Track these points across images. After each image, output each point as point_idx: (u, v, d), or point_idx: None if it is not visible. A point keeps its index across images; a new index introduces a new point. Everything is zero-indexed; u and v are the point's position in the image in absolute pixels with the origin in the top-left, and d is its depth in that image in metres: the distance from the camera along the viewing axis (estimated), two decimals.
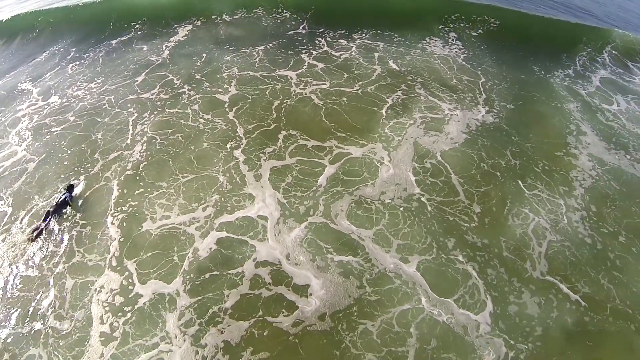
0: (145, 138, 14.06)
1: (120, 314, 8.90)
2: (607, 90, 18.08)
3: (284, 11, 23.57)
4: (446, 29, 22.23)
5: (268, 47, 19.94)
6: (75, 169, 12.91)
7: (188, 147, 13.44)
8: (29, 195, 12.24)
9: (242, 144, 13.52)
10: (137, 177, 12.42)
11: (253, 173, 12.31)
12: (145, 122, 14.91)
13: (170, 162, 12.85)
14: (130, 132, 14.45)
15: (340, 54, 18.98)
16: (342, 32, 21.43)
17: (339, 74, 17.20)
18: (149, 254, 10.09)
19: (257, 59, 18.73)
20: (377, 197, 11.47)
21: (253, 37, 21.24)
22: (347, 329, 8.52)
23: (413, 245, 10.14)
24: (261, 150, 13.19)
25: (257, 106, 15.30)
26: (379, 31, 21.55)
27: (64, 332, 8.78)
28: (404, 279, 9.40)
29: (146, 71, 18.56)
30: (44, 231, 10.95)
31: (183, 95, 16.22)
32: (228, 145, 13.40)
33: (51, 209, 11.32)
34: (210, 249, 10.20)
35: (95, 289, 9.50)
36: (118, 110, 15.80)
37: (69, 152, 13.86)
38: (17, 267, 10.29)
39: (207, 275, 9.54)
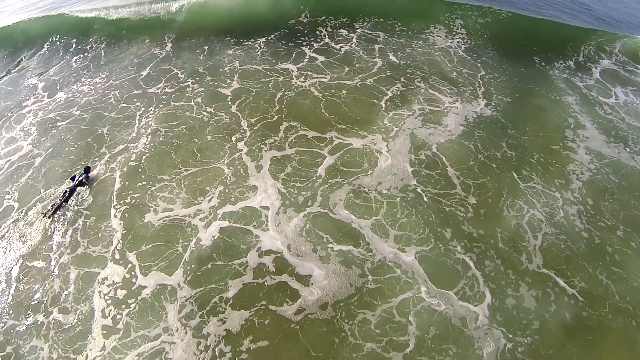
0: (149, 130, 13.74)
1: (123, 305, 8.67)
2: (606, 83, 17.20)
3: None
4: (452, 17, 21.09)
5: (269, 38, 19.33)
6: (82, 162, 12.71)
7: (192, 139, 13.13)
8: (35, 189, 12.02)
9: (245, 136, 13.20)
10: (140, 170, 12.09)
11: (255, 164, 12.04)
12: (150, 116, 14.56)
13: (173, 155, 12.55)
14: (137, 125, 14.15)
15: (341, 46, 18.34)
16: (343, 20, 20.60)
17: (340, 68, 16.67)
18: (153, 245, 9.82)
19: (259, 52, 18.19)
20: (374, 187, 11.16)
21: (254, 26, 20.34)
22: (347, 318, 8.28)
23: (411, 235, 9.85)
24: (263, 142, 12.85)
25: (260, 99, 14.99)
26: (380, 19, 20.67)
27: (67, 324, 8.56)
28: (404, 269, 9.13)
29: (150, 65, 18.38)
30: (60, 208, 11.26)
31: (187, 89, 15.82)
32: (232, 138, 13.06)
33: (69, 189, 11.68)
34: (214, 237, 9.96)
35: (99, 281, 9.26)
36: (124, 104, 15.51)
37: (76, 146, 13.64)
38: (23, 257, 10.03)
39: (209, 265, 9.32)
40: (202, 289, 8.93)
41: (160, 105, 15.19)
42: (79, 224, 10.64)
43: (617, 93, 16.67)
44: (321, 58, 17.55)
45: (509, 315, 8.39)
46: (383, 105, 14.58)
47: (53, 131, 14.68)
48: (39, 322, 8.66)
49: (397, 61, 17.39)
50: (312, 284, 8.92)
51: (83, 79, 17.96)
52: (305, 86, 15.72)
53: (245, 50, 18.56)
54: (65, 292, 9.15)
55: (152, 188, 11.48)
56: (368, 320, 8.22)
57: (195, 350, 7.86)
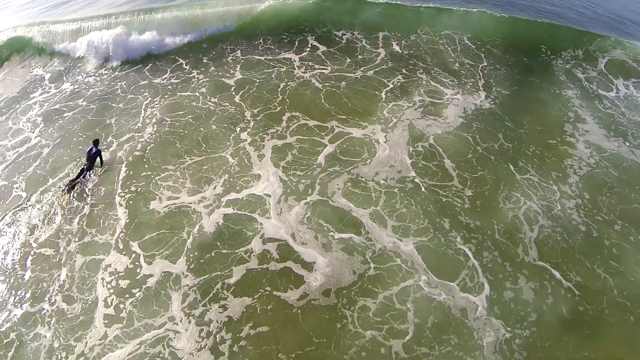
0: (154, 120, 13.55)
1: (127, 295, 8.48)
2: (609, 75, 16.36)
3: None
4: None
5: (270, 25, 18.99)
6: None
7: (198, 128, 12.95)
8: (43, 179, 11.76)
9: (249, 125, 12.95)
10: (144, 159, 11.91)
11: (258, 153, 11.81)
12: (156, 105, 14.33)
13: (178, 144, 12.34)
14: (142, 114, 13.93)
15: (343, 34, 18.01)
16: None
17: (342, 59, 16.36)
18: (157, 233, 9.66)
19: (261, 40, 18.00)
20: (372, 177, 10.88)
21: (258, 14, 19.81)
22: (349, 305, 8.07)
23: (409, 225, 9.59)
24: (266, 131, 12.63)
25: (263, 89, 14.78)
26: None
27: (71, 312, 8.36)
28: (403, 258, 8.87)
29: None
30: (77, 185, 11.30)
31: (193, 80, 15.59)
32: (236, 128, 12.87)
33: (85, 166, 11.71)
34: (218, 224, 9.79)
35: (103, 269, 9.07)
36: (132, 95, 15.24)
37: (84, 136, 13.37)
38: (30, 245, 9.87)
39: (213, 253, 9.14)
40: (207, 276, 8.72)
41: (166, 96, 14.88)
42: (86, 212, 10.44)
43: (619, 85, 15.90)
44: (323, 47, 17.10)
45: (506, 307, 8.08)
46: (383, 96, 14.19)
47: (60, 122, 14.35)
48: (44, 310, 8.47)
49: (400, 51, 17.03)
50: (315, 270, 8.71)
51: (89, 70, 17.64)
52: (307, 77, 15.34)
53: (247, 39, 18.28)
54: (71, 280, 8.94)
55: (157, 177, 11.24)
56: (369, 307, 8.01)
57: (197, 337, 7.67)
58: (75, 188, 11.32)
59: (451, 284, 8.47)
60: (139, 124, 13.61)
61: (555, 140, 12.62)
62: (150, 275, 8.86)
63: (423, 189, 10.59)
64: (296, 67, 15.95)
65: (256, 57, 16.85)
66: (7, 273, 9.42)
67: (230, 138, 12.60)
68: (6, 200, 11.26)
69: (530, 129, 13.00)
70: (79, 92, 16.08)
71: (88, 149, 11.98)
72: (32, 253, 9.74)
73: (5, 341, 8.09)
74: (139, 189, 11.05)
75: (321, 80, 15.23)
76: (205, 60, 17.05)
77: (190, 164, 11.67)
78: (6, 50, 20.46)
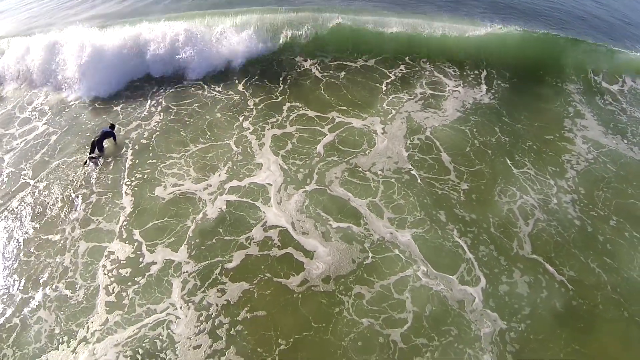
0: (160, 108, 13.45)
1: (129, 283, 8.34)
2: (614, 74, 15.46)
3: None
4: None
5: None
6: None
7: (204, 116, 12.84)
8: (51, 165, 11.63)
9: (252, 114, 12.76)
10: (150, 148, 11.75)
11: (259, 142, 11.64)
12: (162, 94, 14.22)
13: (182, 132, 12.21)
14: (149, 103, 13.83)
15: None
16: None
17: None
18: (161, 219, 9.56)
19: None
20: (368, 168, 10.67)
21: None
22: (347, 292, 7.94)
23: (406, 217, 9.37)
24: (266, 120, 12.44)
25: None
26: None
27: (73, 298, 8.22)
28: (401, 249, 8.67)
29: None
30: (92, 159, 11.44)
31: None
32: (239, 116, 12.69)
33: (96, 139, 11.64)
34: (221, 210, 9.69)
35: (107, 255, 8.93)
36: (138, 84, 15.12)
37: (92, 123, 13.22)
38: (33, 231, 9.76)
39: (214, 240, 9.03)
40: (208, 262, 8.58)
41: (172, 84, 14.75)
42: (92, 200, 10.28)
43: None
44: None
45: (502, 300, 7.86)
46: (384, 88, 13.90)
47: (67, 110, 14.15)
48: (46, 295, 8.34)
49: None
50: (315, 258, 8.54)
51: None
52: (307, 66, 15.14)
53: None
54: (74, 267, 8.81)
55: (162, 165, 11.07)
56: (365, 295, 7.85)
57: (196, 322, 7.56)
58: (88, 163, 11.39)
59: (448, 276, 8.24)
60: (145, 112, 13.39)
61: (553, 136, 12.19)
62: (153, 263, 8.70)
63: (419, 180, 10.31)
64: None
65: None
66: (11, 258, 9.26)
67: (234, 126, 12.37)
68: (13, 186, 11.09)
69: (527, 124, 12.59)
70: None
71: (104, 128, 12.07)
72: (37, 239, 9.57)
73: (8, 325, 7.94)
74: (145, 175, 10.83)
75: (321, 69, 14.98)
76: None
77: (195, 152, 11.51)
78: None
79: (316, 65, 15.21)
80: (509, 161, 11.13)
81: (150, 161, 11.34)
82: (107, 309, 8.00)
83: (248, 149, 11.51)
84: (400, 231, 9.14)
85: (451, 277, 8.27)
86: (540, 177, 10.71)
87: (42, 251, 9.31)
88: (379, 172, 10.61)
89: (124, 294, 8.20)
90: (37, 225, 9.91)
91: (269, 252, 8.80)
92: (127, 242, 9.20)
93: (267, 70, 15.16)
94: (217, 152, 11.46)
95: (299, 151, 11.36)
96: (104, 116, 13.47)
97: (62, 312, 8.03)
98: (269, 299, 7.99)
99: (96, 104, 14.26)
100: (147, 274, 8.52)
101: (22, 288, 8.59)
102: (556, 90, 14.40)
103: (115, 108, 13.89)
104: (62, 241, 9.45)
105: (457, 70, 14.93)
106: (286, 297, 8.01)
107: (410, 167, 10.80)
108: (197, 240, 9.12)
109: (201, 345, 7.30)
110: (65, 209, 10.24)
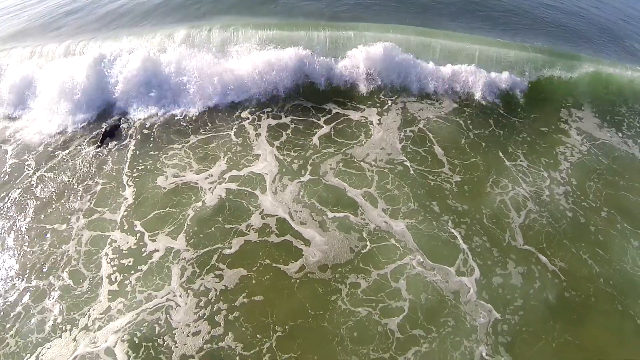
0: None
1: (132, 271, 8.21)
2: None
3: None
4: None
5: None
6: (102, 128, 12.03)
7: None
8: (54, 154, 11.52)
9: (251, 104, 12.55)
10: (151, 138, 11.60)
11: (256, 132, 11.46)
12: None
13: (183, 123, 12.05)
14: None
15: None
16: None
17: None
18: (161, 208, 9.44)
19: None
20: (362, 158, 10.51)
21: None
22: (344, 281, 7.82)
23: (401, 207, 9.20)
24: (262, 110, 12.27)
25: None
26: None
27: (76, 287, 8.09)
28: (397, 238, 8.51)
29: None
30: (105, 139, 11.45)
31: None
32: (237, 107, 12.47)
33: (107, 129, 11.74)
34: (220, 197, 9.57)
35: (109, 244, 8.79)
36: None
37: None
38: (40, 220, 9.61)
39: (213, 228, 8.88)
40: (207, 249, 8.44)
41: None
42: (96, 190, 10.12)
43: None
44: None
45: (495, 292, 7.70)
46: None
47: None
48: (51, 284, 8.21)
49: None
50: (313, 246, 8.39)
51: None
52: None
53: None
54: (77, 256, 8.66)
55: (164, 156, 10.88)
56: (362, 284, 7.72)
57: (194, 309, 7.46)
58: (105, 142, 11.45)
59: (444, 266, 8.09)
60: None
61: (549, 128, 11.96)
62: (155, 251, 8.55)
63: (412, 171, 10.12)
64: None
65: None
66: (14, 247, 9.10)
67: (234, 116, 12.14)
68: (18, 177, 10.89)
69: (524, 117, 12.34)
70: None
71: (111, 120, 12.17)
72: (40, 228, 9.41)
73: (12, 314, 7.79)
74: (148, 166, 10.62)
75: None
76: None
77: (195, 142, 11.31)
78: None
79: None
80: (501, 154, 10.92)
81: (151, 153, 11.14)
82: (110, 296, 7.86)
83: (247, 139, 11.29)
84: (396, 221, 8.95)
85: (446, 267, 8.09)
86: (533, 169, 10.50)
87: (46, 240, 9.13)
88: (372, 163, 10.40)
89: (126, 282, 8.06)
90: (43, 214, 9.75)
91: (267, 239, 8.66)
92: (128, 233, 9.02)
93: None
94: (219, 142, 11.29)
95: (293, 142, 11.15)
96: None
97: (65, 301, 7.88)
98: (267, 284, 7.84)
99: None
100: (149, 261, 8.37)
101: (26, 277, 8.44)
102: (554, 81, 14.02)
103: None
104: (66, 231, 9.27)
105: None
106: (284, 283, 7.86)
107: (404, 158, 10.59)
108: (195, 229, 8.95)
109: (200, 331, 7.15)
110: (71, 197, 10.08)
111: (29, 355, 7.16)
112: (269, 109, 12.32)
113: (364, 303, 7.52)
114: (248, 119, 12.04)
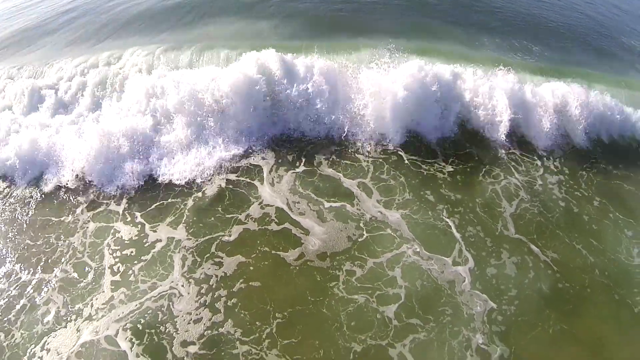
0: None
1: (135, 260, 8.11)
2: None
3: None
4: None
5: None
6: None
7: None
8: None
9: None
10: None
11: None
12: None
13: None
14: None
15: None
16: None
17: None
18: (162, 200, 9.31)
19: None
20: (358, 151, 10.25)
21: None
22: (342, 269, 7.73)
23: (395, 197, 9.09)
24: None
25: None
26: None
27: (80, 278, 7.99)
28: (393, 228, 8.39)
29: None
30: None
31: None
32: None
33: None
34: (220, 185, 9.47)
35: (112, 235, 8.71)
36: None
37: None
38: (46, 213, 9.50)
39: (213, 218, 8.77)
40: (208, 237, 8.35)
41: None
42: None
43: None
44: None
45: (489, 281, 7.55)
46: None
47: None
48: (55, 276, 8.06)
49: None
50: (312, 235, 8.25)
51: None
52: None
53: None
54: (82, 247, 8.54)
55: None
56: (359, 272, 7.62)
57: (195, 296, 7.38)
58: None
59: (440, 256, 7.97)
60: None
61: None
62: (158, 241, 8.47)
63: (406, 161, 9.95)
64: None
65: None
66: (14, 239, 8.97)
67: None
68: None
69: None
70: None
71: None
72: (45, 221, 9.27)
73: (17, 306, 7.68)
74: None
75: None
76: None
77: None
78: None
79: None
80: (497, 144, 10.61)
81: None
82: (112, 287, 7.72)
83: None
84: (391, 211, 8.78)
85: (441, 256, 7.93)
86: (527, 158, 10.26)
87: (51, 233, 9.01)
88: (368, 153, 10.20)
89: (129, 272, 7.93)
90: (48, 207, 9.59)
91: (266, 227, 8.52)
92: (131, 224, 8.90)
93: None
94: None
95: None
96: None
97: (69, 292, 7.73)
98: (267, 271, 7.71)
99: None
100: (152, 251, 8.26)
101: (31, 269, 8.29)
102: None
103: None
104: (71, 223, 9.15)
105: None
106: (283, 270, 7.73)
107: (399, 147, 10.36)
108: (194, 218, 8.82)
109: (202, 318, 7.05)
110: (72, 190, 9.87)
111: (33, 345, 7.03)
112: None
113: (359, 291, 7.44)
114: None
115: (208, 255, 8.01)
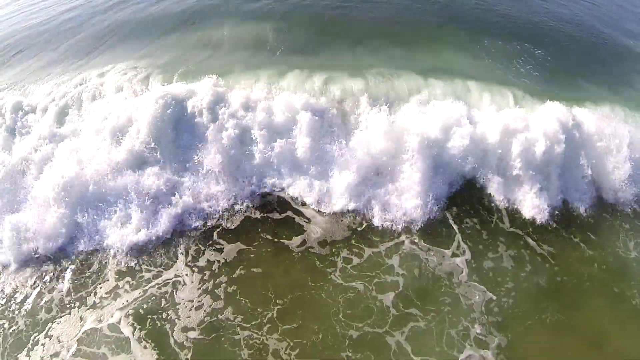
0: None
1: (138, 251, 7.93)
2: None
3: None
4: None
5: None
6: None
7: None
8: None
9: None
10: None
11: None
12: None
13: None
14: None
15: None
16: None
17: None
18: None
19: None
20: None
21: None
22: (342, 257, 7.69)
23: None
24: None
25: None
26: None
27: (86, 267, 7.86)
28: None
29: None
30: None
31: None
32: None
33: None
34: None
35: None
36: None
37: None
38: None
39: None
40: (209, 225, 8.26)
41: None
42: None
43: None
44: None
45: (487, 273, 7.45)
46: None
47: None
48: (60, 267, 7.91)
49: None
50: (313, 223, 8.18)
51: None
52: None
53: None
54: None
55: None
56: (358, 261, 7.57)
57: (197, 284, 7.32)
58: None
59: (438, 247, 7.86)
60: None
61: None
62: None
63: None
64: None
65: None
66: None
67: None
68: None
69: None
70: None
71: None
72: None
73: (20, 297, 7.55)
74: None
75: None
76: None
77: None
78: None
79: None
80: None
81: None
82: (117, 276, 7.57)
83: None
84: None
85: (440, 248, 7.82)
86: None
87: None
88: None
89: (134, 262, 7.78)
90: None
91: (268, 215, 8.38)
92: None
93: None
94: None
95: None
96: None
97: (74, 281, 7.61)
98: (268, 258, 7.63)
99: None
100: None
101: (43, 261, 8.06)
102: None
103: None
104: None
105: None
106: (285, 256, 7.64)
107: None
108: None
109: (202, 304, 6.96)
110: None
111: (37, 333, 6.90)
112: None
113: (356, 279, 7.34)
114: None
115: (210, 242, 7.97)
